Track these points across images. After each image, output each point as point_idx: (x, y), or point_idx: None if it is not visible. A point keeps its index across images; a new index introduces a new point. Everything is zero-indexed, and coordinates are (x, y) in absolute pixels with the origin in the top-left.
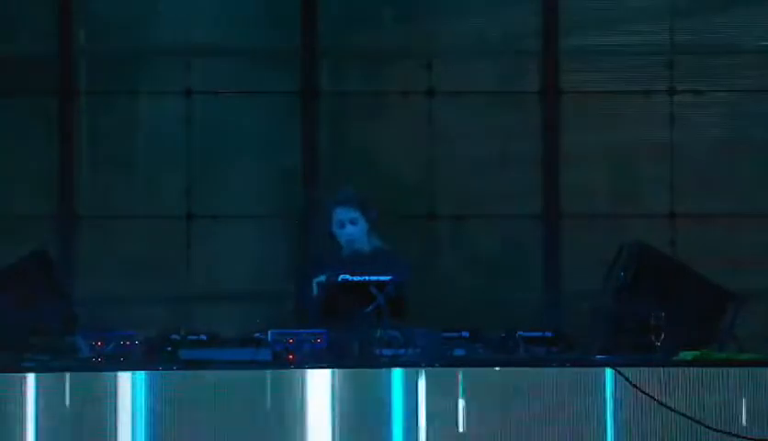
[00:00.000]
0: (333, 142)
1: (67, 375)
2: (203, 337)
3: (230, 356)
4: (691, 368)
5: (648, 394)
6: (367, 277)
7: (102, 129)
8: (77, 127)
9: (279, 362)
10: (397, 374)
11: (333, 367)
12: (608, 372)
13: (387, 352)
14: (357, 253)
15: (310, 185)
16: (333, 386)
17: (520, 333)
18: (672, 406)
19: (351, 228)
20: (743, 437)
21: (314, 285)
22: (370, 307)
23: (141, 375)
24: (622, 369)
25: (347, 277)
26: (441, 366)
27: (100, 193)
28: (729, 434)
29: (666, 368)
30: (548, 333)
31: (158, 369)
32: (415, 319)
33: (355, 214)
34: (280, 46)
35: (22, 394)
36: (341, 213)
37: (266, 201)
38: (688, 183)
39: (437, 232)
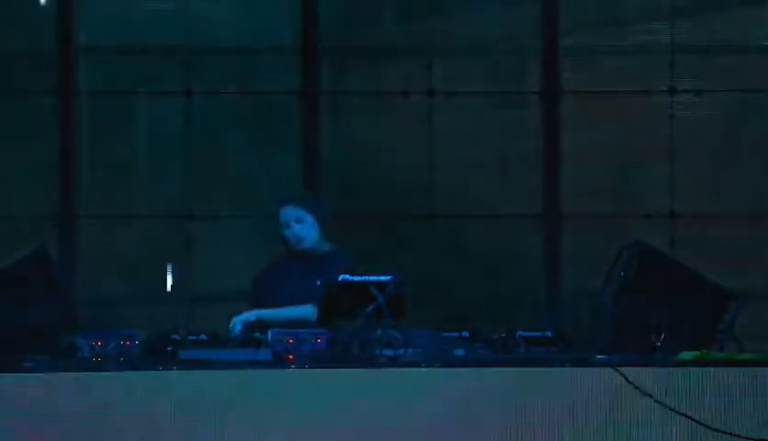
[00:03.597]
0: (333, 142)
1: None
2: (203, 337)
3: (230, 356)
4: (691, 368)
5: (648, 394)
6: (367, 277)
7: (102, 129)
8: (77, 127)
9: (279, 362)
10: None
11: (333, 367)
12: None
13: (387, 352)
14: (310, 251)
15: (309, 185)
16: None
17: (520, 333)
18: (672, 406)
19: (297, 227)
20: (743, 437)
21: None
22: (370, 307)
23: None
24: (622, 369)
25: (347, 276)
26: (441, 366)
27: (100, 193)
28: (730, 434)
29: (666, 368)
30: (548, 333)
31: (158, 369)
32: (415, 319)
33: (299, 213)
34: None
35: None
36: (285, 214)
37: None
38: (688, 183)
39: (437, 232)
